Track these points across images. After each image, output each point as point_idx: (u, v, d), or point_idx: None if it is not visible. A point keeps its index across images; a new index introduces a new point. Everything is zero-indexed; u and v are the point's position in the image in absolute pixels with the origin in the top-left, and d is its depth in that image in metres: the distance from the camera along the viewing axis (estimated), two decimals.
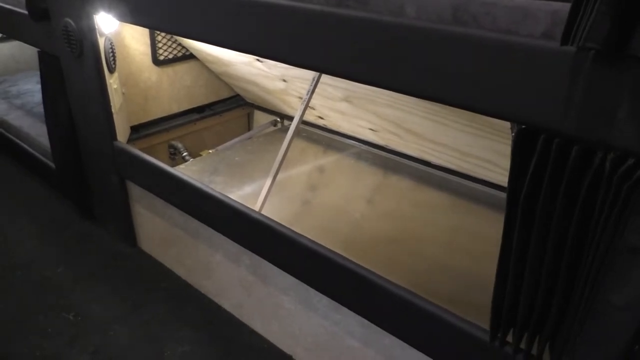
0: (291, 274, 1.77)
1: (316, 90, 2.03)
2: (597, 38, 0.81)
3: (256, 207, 1.92)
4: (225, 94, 3.07)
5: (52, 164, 2.85)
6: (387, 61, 1.17)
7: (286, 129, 1.99)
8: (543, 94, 0.96)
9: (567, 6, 0.87)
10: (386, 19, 1.15)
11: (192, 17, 1.61)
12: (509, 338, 1.24)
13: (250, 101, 3.15)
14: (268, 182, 1.97)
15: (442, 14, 1.09)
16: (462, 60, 1.05)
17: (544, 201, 1.03)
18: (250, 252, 1.89)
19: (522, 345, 1.22)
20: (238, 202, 1.84)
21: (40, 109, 2.74)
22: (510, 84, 1.00)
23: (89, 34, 2.09)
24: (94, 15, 2.04)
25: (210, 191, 1.91)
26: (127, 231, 2.57)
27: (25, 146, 3.16)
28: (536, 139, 1.00)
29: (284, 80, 2.42)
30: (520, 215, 1.08)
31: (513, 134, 1.05)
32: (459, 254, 1.97)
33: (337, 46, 1.26)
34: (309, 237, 1.66)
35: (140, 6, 1.78)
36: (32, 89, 3.90)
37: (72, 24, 2.13)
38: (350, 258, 1.56)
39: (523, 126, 1.01)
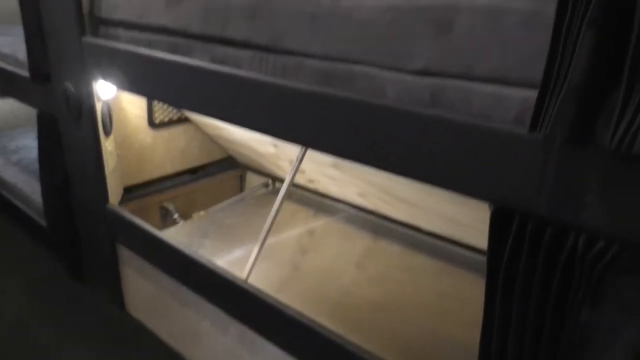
0: (277, 345, 1.74)
1: (307, 155, 2.07)
2: (562, 126, 0.86)
3: (244, 274, 1.91)
4: (218, 156, 3.13)
5: (44, 223, 2.86)
6: (369, 140, 1.22)
7: (278, 191, 2.02)
8: (516, 176, 1.00)
9: (535, 93, 0.92)
10: (369, 100, 1.21)
11: (185, 89, 1.68)
12: None
13: (242, 163, 3.20)
14: (256, 248, 1.98)
15: (421, 97, 1.15)
16: (439, 142, 1.09)
17: (523, 279, 1.05)
18: (237, 321, 1.87)
19: None
20: (225, 270, 1.84)
21: (36, 165, 2.78)
22: (485, 165, 1.04)
23: (88, 98, 2.16)
24: (93, 82, 2.11)
25: (198, 258, 1.92)
26: (116, 294, 2.54)
27: (18, 203, 3.18)
28: (511, 220, 1.03)
29: (275, 146, 2.47)
30: (501, 292, 1.09)
31: (490, 213, 1.08)
32: (449, 321, 1.95)
33: (322, 124, 1.31)
34: (297, 304, 1.65)
35: (136, 77, 1.85)
36: (29, 144, 3.95)
37: (72, 88, 2.20)
38: (339, 325, 1.55)
39: (498, 206, 1.04)
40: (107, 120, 2.27)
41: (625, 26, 0.77)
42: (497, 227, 1.05)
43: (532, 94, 0.95)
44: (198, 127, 2.95)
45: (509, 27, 0.98)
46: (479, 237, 2.14)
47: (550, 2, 0.87)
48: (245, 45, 1.51)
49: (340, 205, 2.75)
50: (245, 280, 1.83)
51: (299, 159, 1.99)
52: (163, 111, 2.75)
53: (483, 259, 2.22)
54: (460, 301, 2.05)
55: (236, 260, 2.25)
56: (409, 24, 1.12)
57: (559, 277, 1.00)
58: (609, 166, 0.87)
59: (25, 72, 2.49)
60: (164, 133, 2.80)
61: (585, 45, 0.80)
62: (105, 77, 2.01)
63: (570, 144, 0.90)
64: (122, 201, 2.60)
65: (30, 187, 3.20)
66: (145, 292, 2.39)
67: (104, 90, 2.20)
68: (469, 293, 2.10)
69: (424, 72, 1.13)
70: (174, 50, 1.74)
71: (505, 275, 1.07)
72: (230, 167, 3.18)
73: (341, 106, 1.25)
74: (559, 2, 0.83)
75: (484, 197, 1.08)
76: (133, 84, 1.92)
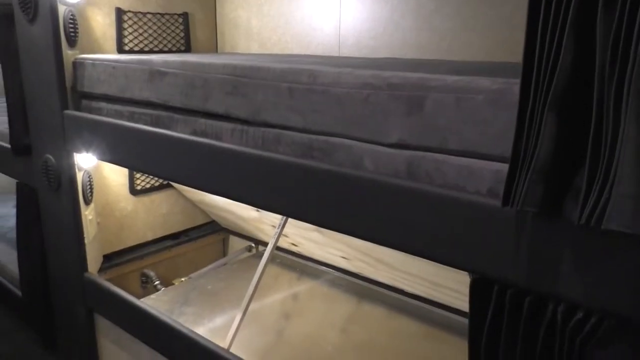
0: None
1: (290, 219, 2.08)
2: (532, 203, 0.89)
3: (226, 343, 1.87)
4: (200, 221, 3.12)
5: (19, 292, 2.78)
6: (348, 210, 1.24)
7: (261, 255, 2.02)
8: (492, 247, 1.02)
9: (506, 166, 0.95)
10: (347, 172, 1.23)
11: (167, 160, 1.70)
12: None
13: (225, 226, 3.19)
14: (238, 316, 1.95)
15: (397, 169, 1.18)
16: (416, 212, 1.12)
17: (505, 348, 1.05)
18: None
19: None
20: (206, 339, 1.80)
21: (13, 234, 2.74)
22: (461, 236, 1.06)
23: (68, 169, 2.16)
24: (75, 153, 2.12)
25: (178, 327, 1.88)
26: None
27: None
28: (491, 289, 1.04)
29: (258, 210, 2.48)
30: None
31: (470, 282, 1.09)
32: None
33: (302, 194, 1.33)
34: None
35: (118, 149, 1.87)
36: (7, 213, 3.90)
37: (52, 159, 2.21)
38: None
39: (477, 276, 1.06)
40: (88, 189, 2.27)
41: (586, 108, 0.82)
42: (477, 296, 1.06)
43: (504, 167, 0.98)
44: (180, 193, 2.96)
45: (477, 105, 1.03)
46: (461, 300, 2.14)
47: (515, 82, 0.93)
48: (225, 117, 1.55)
49: (323, 269, 2.74)
50: (228, 350, 1.79)
51: (281, 225, 2.00)
52: (145, 178, 2.76)
53: (465, 321, 2.22)
54: None
55: (218, 328, 2.20)
56: (382, 101, 1.17)
57: (540, 348, 1.00)
58: (580, 239, 0.89)
59: (6, 144, 2.49)
60: (146, 199, 2.79)
61: (549, 126, 0.84)
62: (87, 149, 2.03)
63: (542, 218, 0.93)
64: (102, 269, 2.55)
65: (6, 257, 3.13)
66: None
67: (85, 160, 2.21)
68: (452, 358, 2.08)
69: (400, 146, 1.17)
70: (156, 122, 1.78)
71: (487, 343, 1.06)
72: (212, 231, 3.16)
73: (320, 177, 1.28)
74: (521, 84, 0.88)
75: (462, 267, 1.09)
76: (115, 156, 1.93)
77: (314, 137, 1.33)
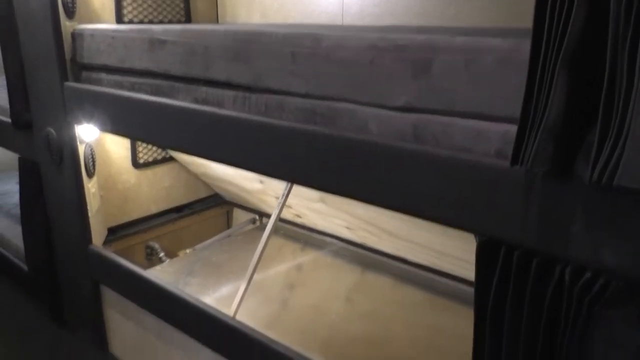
0: None
1: (293, 190, 2.07)
2: (542, 162, 0.87)
3: (231, 311, 1.88)
4: (204, 194, 3.11)
5: (25, 267, 2.80)
6: (352, 175, 1.23)
7: (265, 227, 2.02)
8: (500, 208, 1.01)
9: (515, 127, 0.93)
10: (351, 136, 1.22)
11: (169, 130, 1.68)
12: None
13: (229, 199, 3.19)
14: (243, 285, 1.95)
15: (403, 132, 1.16)
16: (423, 175, 1.10)
17: (511, 311, 1.05)
18: None
19: None
20: (212, 307, 1.81)
21: (18, 210, 2.74)
22: (468, 198, 1.05)
23: (70, 142, 2.15)
24: (76, 126, 2.11)
25: (183, 296, 1.89)
26: (99, 336, 2.48)
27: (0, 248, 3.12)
28: (498, 251, 1.03)
29: (261, 182, 2.47)
30: (490, 324, 1.09)
31: (476, 244, 1.08)
32: (439, 356, 1.93)
33: (305, 160, 1.32)
34: (286, 340, 1.62)
35: (119, 119, 1.86)
36: (11, 189, 3.89)
37: (54, 133, 2.19)
38: None
39: (484, 238, 1.05)
40: (90, 162, 2.26)
41: (598, 65, 0.80)
42: (484, 259, 1.06)
43: (512, 128, 0.96)
44: (183, 166, 2.95)
45: (485, 66, 1.01)
46: (466, 269, 2.15)
47: (525, 41, 0.90)
48: (227, 85, 1.53)
49: (327, 239, 2.74)
50: (233, 317, 1.80)
51: (285, 195, 1.99)
52: (147, 151, 2.75)
53: (471, 290, 2.23)
54: (450, 335, 2.04)
55: (223, 298, 2.21)
56: (388, 64, 1.15)
57: (547, 311, 0.99)
58: (591, 198, 0.88)
59: (7, 119, 2.48)
60: (148, 172, 2.79)
61: (560, 85, 0.82)
62: (88, 121, 2.01)
63: (552, 178, 0.92)
64: (106, 242, 2.56)
65: (11, 232, 3.14)
66: (129, 332, 2.34)
67: (87, 133, 2.20)
68: (458, 327, 2.09)
69: (406, 109, 1.15)
70: (157, 92, 1.75)
71: (493, 309, 1.06)
72: (216, 204, 3.16)
73: (324, 142, 1.26)
74: (532, 42, 0.86)
75: (469, 230, 1.09)
76: (117, 126, 1.92)
77: (317, 102, 1.31)
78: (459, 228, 1.11)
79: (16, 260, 2.92)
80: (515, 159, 0.93)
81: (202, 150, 1.63)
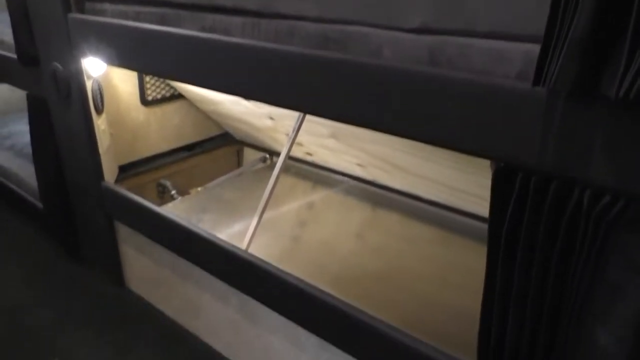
0: (279, 313, 1.74)
1: (303, 127, 2.04)
2: (566, 81, 0.83)
3: (243, 245, 1.90)
4: (214, 132, 3.09)
5: (39, 204, 2.84)
6: (366, 102, 1.19)
7: (276, 165, 2.01)
8: (519, 132, 0.97)
9: (538, 47, 0.89)
10: (365, 61, 1.17)
11: (177, 60, 1.64)
12: None
13: (239, 138, 3.17)
14: (255, 219, 1.97)
15: (418, 56, 1.12)
16: (439, 101, 1.07)
17: (525, 238, 1.03)
18: (238, 292, 1.87)
19: None
20: (225, 241, 1.83)
21: (30, 149, 2.75)
22: (486, 123, 1.01)
23: (77, 77, 2.11)
24: (82, 59, 2.07)
25: (197, 230, 1.90)
26: (115, 271, 2.54)
27: (13, 187, 3.15)
28: (515, 177, 1.01)
29: (272, 118, 2.44)
30: (503, 253, 1.08)
31: (492, 172, 1.06)
32: (450, 289, 1.95)
33: (318, 87, 1.28)
34: (297, 274, 1.64)
35: (125, 51, 1.81)
36: (22, 129, 3.89)
37: (60, 67, 2.15)
38: (340, 296, 1.55)
39: (502, 164, 1.02)
40: (99, 98, 2.23)
41: None
42: (500, 185, 1.03)
43: (535, 48, 0.91)
44: (192, 104, 2.91)
45: None
46: (479, 204, 2.13)
47: None
48: (235, 11, 1.47)
49: (338, 177, 2.73)
50: (246, 251, 1.82)
51: (295, 129, 1.97)
52: (155, 88, 2.71)
53: (483, 226, 2.22)
54: (462, 270, 2.05)
55: (235, 234, 2.23)
56: None
57: (563, 235, 0.98)
58: (615, 118, 0.85)
59: (13, 55, 2.43)
60: (157, 110, 2.76)
61: None
62: (94, 54, 1.97)
63: (575, 97, 0.88)
64: (118, 180, 2.57)
65: (24, 171, 3.16)
66: (144, 267, 2.39)
67: (94, 67, 2.16)
68: (470, 262, 2.10)
69: (422, 30, 1.10)
70: (162, 21, 1.69)
71: (508, 235, 1.05)
72: (227, 143, 3.15)
73: (337, 68, 1.22)
74: None
75: (487, 155, 1.06)
76: (123, 59, 1.87)
77: (328, 26, 1.26)
78: (476, 155, 1.08)
79: (31, 198, 2.95)
80: (537, 79, 0.89)
81: (211, 81, 1.59)
